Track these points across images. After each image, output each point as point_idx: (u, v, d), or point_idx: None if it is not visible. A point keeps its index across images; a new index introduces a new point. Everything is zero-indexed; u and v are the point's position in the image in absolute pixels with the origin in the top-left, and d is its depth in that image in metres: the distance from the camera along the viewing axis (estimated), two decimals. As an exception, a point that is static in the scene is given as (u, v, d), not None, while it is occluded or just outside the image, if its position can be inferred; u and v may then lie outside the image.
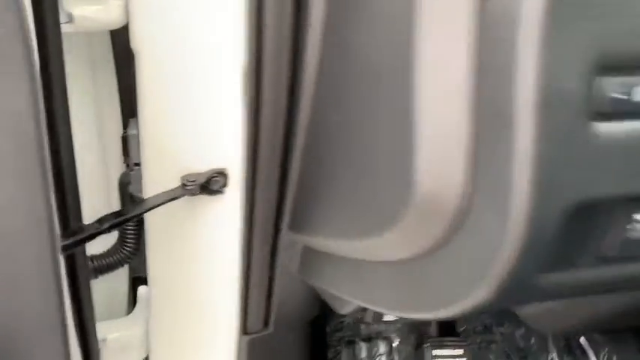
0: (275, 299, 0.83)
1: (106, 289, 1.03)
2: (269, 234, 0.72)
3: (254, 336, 0.86)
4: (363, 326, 1.26)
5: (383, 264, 0.56)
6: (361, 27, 0.42)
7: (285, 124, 0.55)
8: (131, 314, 1.02)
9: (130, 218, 0.72)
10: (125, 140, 0.83)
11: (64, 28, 0.75)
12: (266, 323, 0.86)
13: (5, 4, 0.47)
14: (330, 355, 1.26)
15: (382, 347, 1.24)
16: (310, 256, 0.67)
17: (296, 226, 0.63)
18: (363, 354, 1.24)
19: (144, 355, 1.03)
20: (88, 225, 0.72)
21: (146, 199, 0.79)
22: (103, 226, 0.69)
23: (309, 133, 0.54)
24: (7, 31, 0.48)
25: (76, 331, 0.88)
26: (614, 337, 1.46)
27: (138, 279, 1.07)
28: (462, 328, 1.41)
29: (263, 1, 0.47)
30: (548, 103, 0.34)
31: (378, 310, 0.62)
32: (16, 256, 0.57)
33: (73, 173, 0.74)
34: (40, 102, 0.53)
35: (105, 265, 0.91)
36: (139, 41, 0.75)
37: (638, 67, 0.35)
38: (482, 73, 0.34)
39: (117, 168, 0.92)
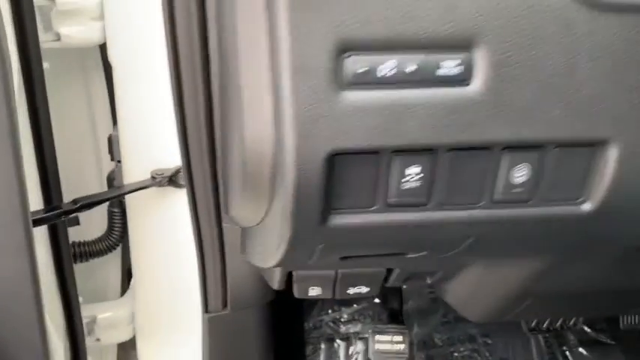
0: (231, 281, 0.93)
1: (103, 276, 1.16)
2: (213, 219, 0.83)
3: (214, 314, 0.96)
4: (341, 325, 1.34)
5: (249, 229, 0.68)
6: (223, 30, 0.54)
7: (206, 117, 0.66)
8: (122, 297, 1.15)
9: (100, 201, 0.85)
10: (110, 140, 0.97)
11: (53, 44, 0.91)
12: (225, 304, 0.96)
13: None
14: (308, 352, 1.35)
15: (359, 345, 1.32)
16: (243, 235, 0.77)
17: (226, 208, 0.73)
18: (341, 352, 1.32)
19: (132, 334, 1.15)
20: (65, 204, 0.85)
21: (117, 187, 0.92)
22: (76, 205, 0.83)
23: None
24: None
25: (62, 304, 1.01)
26: (600, 349, 1.48)
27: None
28: (445, 336, 1.48)
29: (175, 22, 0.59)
30: (302, 75, 0.44)
31: (256, 264, 0.73)
32: None
33: (54, 162, 0.88)
34: (12, 101, 0.66)
35: (95, 250, 1.04)
36: (114, 56, 0.90)
37: (377, 47, 0.45)
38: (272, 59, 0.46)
39: (109, 165, 1.05)
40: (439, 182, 0.50)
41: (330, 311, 1.43)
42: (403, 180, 0.48)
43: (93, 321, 1.10)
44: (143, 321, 1.13)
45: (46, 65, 0.91)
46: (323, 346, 1.39)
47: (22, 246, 0.73)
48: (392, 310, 1.12)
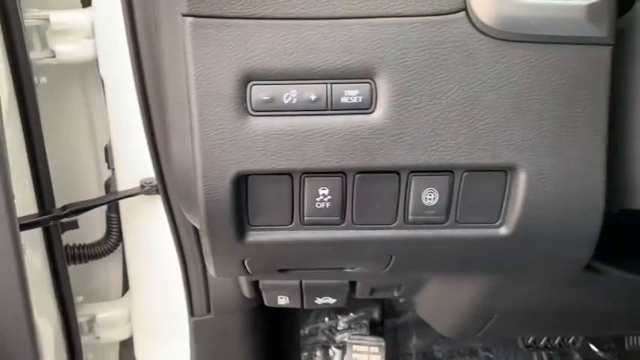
0: (212, 287, 0.97)
1: (104, 277, 1.22)
2: (190, 228, 0.87)
3: (199, 318, 1.01)
4: (337, 333, 1.36)
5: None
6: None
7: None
8: (120, 298, 1.21)
9: (87, 208, 0.91)
10: (106, 150, 1.03)
11: (50, 60, 0.97)
12: (209, 309, 1.00)
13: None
14: (304, 358, 1.38)
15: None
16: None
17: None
18: (336, 359, 1.34)
19: (130, 333, 1.21)
20: (55, 209, 0.91)
21: (109, 194, 0.97)
22: (65, 211, 0.88)
23: None
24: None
25: (57, 304, 1.07)
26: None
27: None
28: (446, 349, 1.47)
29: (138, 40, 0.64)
30: (207, 103, 0.47)
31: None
32: None
33: (47, 170, 0.94)
34: None
35: (93, 252, 1.10)
36: (104, 71, 0.95)
37: (280, 77, 0.47)
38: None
39: (108, 173, 1.11)
40: (351, 203, 0.52)
41: (326, 319, 1.45)
42: (317, 199, 0.51)
43: (92, 320, 1.16)
44: (139, 321, 1.18)
45: (43, 79, 0.98)
46: (318, 353, 1.42)
47: (9, 249, 0.79)
48: (372, 321, 1.13)
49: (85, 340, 1.16)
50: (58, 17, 0.90)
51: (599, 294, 0.74)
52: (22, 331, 0.83)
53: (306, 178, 0.50)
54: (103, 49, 0.92)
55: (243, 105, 0.48)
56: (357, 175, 0.50)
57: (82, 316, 1.16)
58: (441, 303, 0.83)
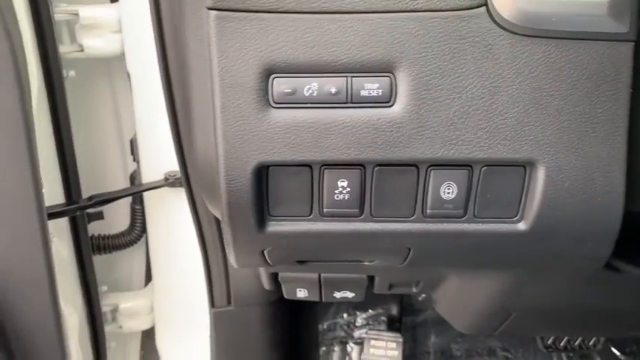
0: (233, 279, 0.99)
1: (128, 267, 1.25)
2: (212, 220, 0.89)
3: (220, 310, 1.02)
4: (355, 329, 1.37)
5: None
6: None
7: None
8: (143, 289, 1.23)
9: (113, 199, 0.93)
10: (132, 143, 1.05)
11: (78, 54, 1.00)
12: (229, 300, 1.02)
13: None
14: (322, 353, 1.38)
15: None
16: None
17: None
18: (354, 355, 1.35)
19: (152, 324, 1.23)
20: (82, 200, 0.94)
21: (131, 187, 0.99)
22: (91, 202, 0.91)
23: None
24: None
25: (82, 292, 1.10)
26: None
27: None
28: (464, 347, 1.47)
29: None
30: (230, 94, 0.48)
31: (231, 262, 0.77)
32: (9, 220, 0.77)
33: (74, 163, 0.96)
34: (25, 103, 0.74)
35: (118, 243, 1.13)
36: (130, 66, 0.97)
37: (301, 70, 0.48)
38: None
39: (133, 165, 1.14)
40: (370, 195, 0.52)
41: (345, 315, 1.46)
42: (336, 191, 0.51)
43: (116, 309, 1.19)
44: (161, 311, 1.20)
45: (72, 73, 1.01)
46: (336, 348, 1.42)
47: (37, 237, 0.81)
48: (390, 318, 1.13)
49: (108, 328, 1.19)
50: (87, 12, 0.92)
51: (620, 294, 0.73)
52: (49, 317, 0.85)
53: (326, 170, 0.51)
54: (130, 43, 0.94)
55: (264, 97, 0.48)
56: (376, 168, 0.51)
57: (105, 305, 1.19)
58: (459, 300, 0.83)
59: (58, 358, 0.88)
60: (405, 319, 1.37)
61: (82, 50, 0.93)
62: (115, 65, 1.05)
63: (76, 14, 0.91)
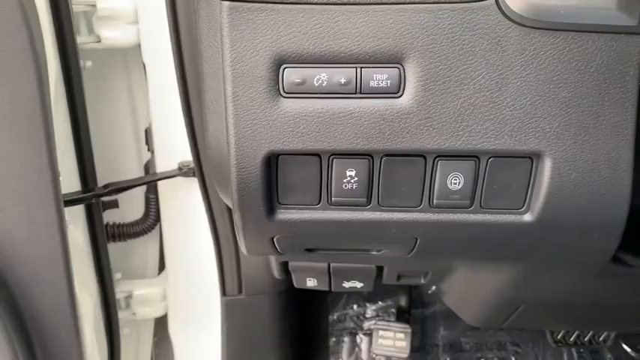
0: (244, 268, 1.00)
1: (142, 255, 1.27)
2: (225, 209, 0.90)
3: (231, 298, 1.04)
4: (365, 320, 1.38)
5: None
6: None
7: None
8: (157, 277, 1.25)
9: (127, 187, 0.95)
10: (146, 132, 1.06)
11: (96, 45, 1.01)
12: (240, 289, 1.03)
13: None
14: (332, 343, 1.40)
15: (382, 341, 1.35)
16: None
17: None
18: (363, 346, 1.36)
19: (164, 311, 1.25)
20: (97, 188, 0.96)
21: (144, 176, 1.01)
22: (106, 190, 0.93)
23: None
24: (20, 45, 0.72)
25: (97, 279, 1.12)
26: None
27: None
28: (473, 341, 1.47)
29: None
30: (241, 84, 0.49)
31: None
32: (27, 206, 0.79)
33: (90, 152, 0.98)
34: (46, 95, 0.76)
35: (132, 231, 1.15)
36: (146, 56, 0.99)
37: (312, 60, 0.49)
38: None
39: (148, 155, 1.15)
40: (377, 185, 0.53)
41: (355, 306, 1.47)
42: (344, 181, 0.52)
43: (129, 296, 1.21)
44: (174, 299, 1.22)
45: (89, 63, 1.02)
46: (346, 339, 1.44)
47: (54, 223, 0.83)
48: (399, 309, 1.14)
49: (121, 315, 1.21)
50: (104, 3, 0.94)
51: (628, 288, 0.73)
52: (64, 302, 0.88)
53: (334, 160, 0.52)
54: (146, 34, 0.95)
55: (275, 87, 0.50)
56: (384, 158, 0.51)
57: (119, 292, 1.21)
58: (467, 291, 0.84)
59: (74, 341, 0.90)
60: (415, 311, 1.38)
61: (99, 41, 0.95)
62: (131, 56, 1.07)
63: (94, 5, 0.93)
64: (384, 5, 0.48)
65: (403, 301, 1.16)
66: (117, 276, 1.19)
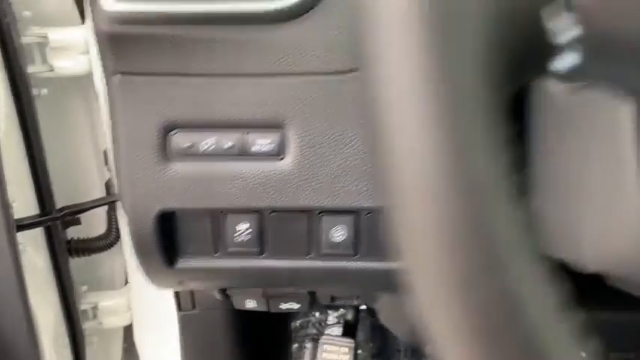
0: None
1: (109, 267, 1.32)
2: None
3: (186, 313, 1.08)
4: (327, 327, 1.42)
5: None
6: None
7: None
8: (122, 288, 1.30)
9: (81, 210, 0.99)
10: (105, 154, 1.11)
11: (49, 74, 1.05)
12: (193, 305, 1.08)
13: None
14: (294, 349, 1.44)
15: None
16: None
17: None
18: (307, 354, 1.40)
19: (130, 321, 1.30)
20: (55, 211, 1.00)
21: (99, 198, 1.06)
22: (62, 213, 0.97)
23: None
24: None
25: (59, 295, 1.17)
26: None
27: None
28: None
29: None
30: (133, 147, 0.53)
31: None
32: None
33: (46, 175, 1.03)
34: None
35: (95, 246, 1.19)
36: (98, 84, 1.02)
37: (200, 126, 0.53)
38: None
39: (108, 174, 1.20)
40: (268, 236, 0.57)
41: (317, 314, 1.52)
42: (235, 234, 0.57)
43: (96, 307, 1.26)
44: (137, 310, 1.27)
45: (44, 91, 1.07)
46: (308, 345, 1.48)
47: (4, 246, 0.88)
48: (346, 323, 1.19)
49: (89, 325, 1.26)
50: (56, 35, 0.98)
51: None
52: (20, 321, 0.93)
53: (227, 215, 0.56)
54: (96, 63, 0.99)
55: (164, 151, 0.54)
56: (272, 214, 0.56)
57: (86, 303, 1.26)
58: (398, 310, 0.88)
59: (31, 354, 0.95)
60: (373, 319, 1.42)
61: (52, 70, 0.99)
62: (87, 82, 1.11)
63: (46, 37, 0.97)
64: (264, 77, 0.51)
65: (349, 315, 1.21)
66: (83, 289, 1.24)
